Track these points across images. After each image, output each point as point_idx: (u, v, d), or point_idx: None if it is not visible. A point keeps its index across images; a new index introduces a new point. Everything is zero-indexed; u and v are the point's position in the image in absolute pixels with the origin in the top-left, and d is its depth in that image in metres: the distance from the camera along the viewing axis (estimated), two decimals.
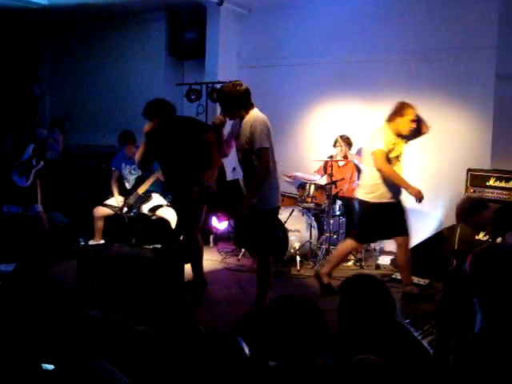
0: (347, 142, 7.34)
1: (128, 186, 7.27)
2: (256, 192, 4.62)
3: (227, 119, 4.92)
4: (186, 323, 4.60)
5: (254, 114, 4.73)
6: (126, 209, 7.05)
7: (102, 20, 9.63)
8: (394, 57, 7.47)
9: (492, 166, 6.42)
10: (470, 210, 4.59)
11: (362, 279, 2.60)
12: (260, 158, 4.59)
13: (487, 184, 6.20)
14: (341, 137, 7.34)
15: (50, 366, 2.16)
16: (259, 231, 4.78)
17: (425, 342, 3.87)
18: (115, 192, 7.23)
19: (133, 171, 7.21)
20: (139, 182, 7.14)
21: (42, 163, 6.71)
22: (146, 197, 7.15)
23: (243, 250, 6.96)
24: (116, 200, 7.17)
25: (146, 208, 7.12)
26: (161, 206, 7.09)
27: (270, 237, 4.92)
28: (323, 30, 7.98)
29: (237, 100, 4.68)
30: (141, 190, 7.08)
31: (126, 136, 7.22)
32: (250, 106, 4.75)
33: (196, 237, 5.66)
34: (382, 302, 2.47)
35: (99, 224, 7.11)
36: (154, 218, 7.10)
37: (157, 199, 7.17)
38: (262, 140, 4.56)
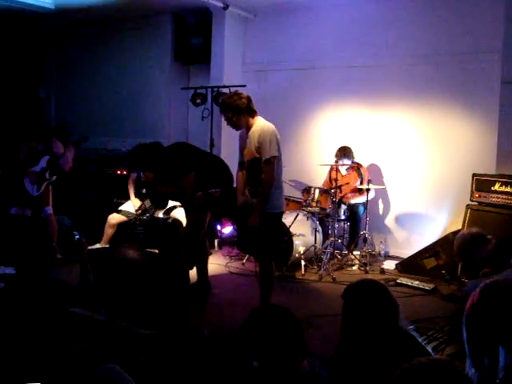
0: (343, 152, 7.30)
1: (145, 190, 7.29)
2: (263, 202, 4.67)
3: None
4: (190, 327, 4.60)
5: (261, 123, 4.78)
6: (140, 211, 7.08)
7: (108, 25, 9.66)
8: (398, 61, 7.47)
9: (497, 171, 6.41)
10: (470, 247, 4.54)
11: (365, 284, 2.59)
12: (265, 169, 4.65)
13: (492, 189, 6.19)
14: (339, 150, 7.34)
15: None
16: (262, 235, 4.76)
17: (429, 348, 3.87)
18: (131, 194, 7.26)
19: None
20: None
21: (54, 177, 6.71)
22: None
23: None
24: (132, 202, 7.20)
25: (160, 212, 7.18)
26: (174, 208, 7.12)
27: (272, 241, 4.91)
28: (328, 35, 7.98)
29: (242, 108, 4.72)
30: None
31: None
32: (254, 113, 4.80)
33: (203, 240, 5.70)
34: (385, 307, 2.46)
35: (110, 231, 7.12)
36: (169, 220, 7.10)
37: (170, 202, 7.22)
38: (271, 150, 4.62)
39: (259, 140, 4.67)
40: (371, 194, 7.19)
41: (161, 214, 7.18)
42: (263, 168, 4.66)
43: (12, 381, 2.17)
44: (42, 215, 6.70)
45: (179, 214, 7.02)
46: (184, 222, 6.81)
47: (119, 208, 7.26)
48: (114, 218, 7.13)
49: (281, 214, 4.97)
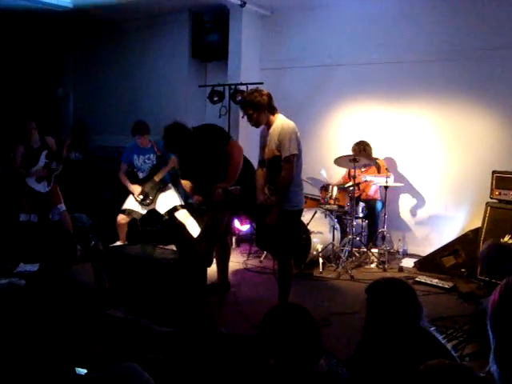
0: (361, 148, 7.28)
1: (142, 175, 7.09)
2: (282, 200, 4.66)
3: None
4: (208, 325, 4.61)
5: (281, 121, 4.75)
6: (141, 197, 6.95)
7: (126, 23, 9.69)
8: (417, 58, 7.40)
9: None
10: (495, 259, 4.50)
11: (391, 283, 2.57)
12: (285, 167, 4.63)
13: None
14: (356, 144, 7.34)
15: (83, 370, 2.19)
16: (281, 232, 4.74)
17: (449, 346, 3.84)
18: (128, 183, 7.05)
19: (147, 161, 7.05)
20: (154, 171, 7.01)
21: (61, 167, 6.75)
22: (163, 185, 7.05)
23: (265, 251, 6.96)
24: (132, 190, 7.00)
25: (162, 208, 7.02)
26: (176, 209, 7.02)
27: (291, 238, 4.89)
28: (346, 32, 7.94)
29: (262, 105, 4.69)
30: (157, 178, 6.95)
31: (140, 126, 7.07)
32: (275, 110, 4.78)
33: (225, 239, 5.70)
34: (409, 306, 2.45)
35: (123, 230, 7.08)
36: (165, 218, 7.02)
37: (173, 198, 7.07)
38: (290, 148, 4.61)
39: (279, 138, 4.65)
40: (390, 180, 7.08)
41: (163, 212, 7.03)
42: (283, 166, 4.64)
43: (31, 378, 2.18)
44: (50, 217, 6.74)
45: (181, 216, 6.95)
46: (186, 223, 6.71)
47: (122, 208, 7.09)
48: (123, 218, 7.05)
49: (300, 211, 4.95)
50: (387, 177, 6.88)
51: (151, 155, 7.03)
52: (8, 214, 7.08)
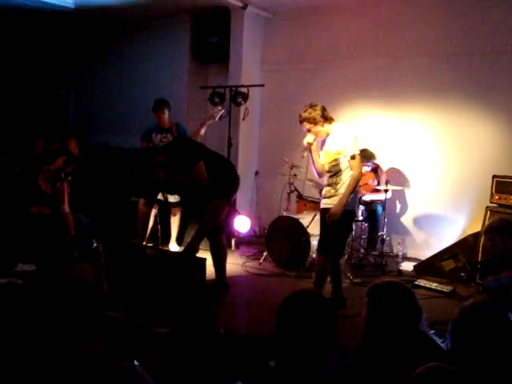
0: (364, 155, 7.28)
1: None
2: (348, 194, 5.03)
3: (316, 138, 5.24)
4: (207, 326, 4.60)
5: (340, 128, 5.17)
6: None
7: (127, 23, 9.69)
8: (418, 61, 7.41)
9: None
10: (505, 228, 4.50)
11: (391, 286, 2.58)
12: (352, 164, 5.05)
13: None
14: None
15: None
16: (329, 229, 5.07)
17: None
18: None
19: (163, 139, 7.15)
20: None
21: (69, 178, 6.83)
22: None
23: (265, 253, 6.97)
24: None
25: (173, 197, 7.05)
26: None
27: (338, 238, 5.17)
28: (348, 34, 7.95)
29: (318, 119, 5.08)
30: None
31: (155, 103, 7.27)
32: (331, 119, 5.16)
33: (221, 240, 5.73)
34: (409, 309, 2.45)
35: (146, 221, 7.10)
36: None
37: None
38: (353, 148, 5.05)
39: (343, 142, 5.05)
40: (388, 194, 7.13)
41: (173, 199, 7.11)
42: (350, 164, 5.04)
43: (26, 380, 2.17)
44: (58, 211, 6.79)
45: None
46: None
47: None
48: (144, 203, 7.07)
49: (352, 212, 5.24)
50: (386, 192, 6.92)
51: (169, 135, 7.19)
52: (16, 206, 7.14)
